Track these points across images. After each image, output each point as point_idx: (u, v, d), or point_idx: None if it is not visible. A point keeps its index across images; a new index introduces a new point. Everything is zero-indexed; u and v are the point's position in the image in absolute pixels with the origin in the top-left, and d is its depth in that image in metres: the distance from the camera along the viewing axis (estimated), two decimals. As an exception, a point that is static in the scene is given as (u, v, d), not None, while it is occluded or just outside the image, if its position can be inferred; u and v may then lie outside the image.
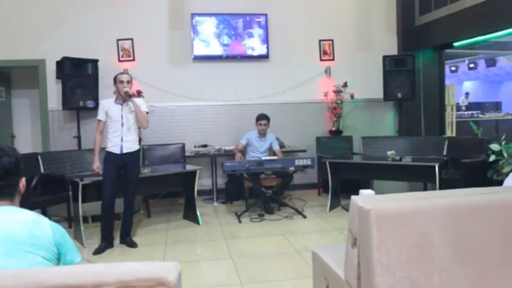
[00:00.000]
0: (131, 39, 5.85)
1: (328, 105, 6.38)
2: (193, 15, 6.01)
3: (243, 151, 5.54)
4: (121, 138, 3.89)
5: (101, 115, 3.97)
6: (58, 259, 1.42)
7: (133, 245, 4.01)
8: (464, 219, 1.64)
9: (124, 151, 3.90)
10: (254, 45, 6.22)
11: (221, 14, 6.10)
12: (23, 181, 1.51)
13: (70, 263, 1.45)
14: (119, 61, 5.84)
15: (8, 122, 6.18)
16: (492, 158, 4.61)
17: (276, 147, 5.52)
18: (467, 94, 12.40)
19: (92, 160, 4.10)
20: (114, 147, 3.90)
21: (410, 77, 6.03)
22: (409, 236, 1.58)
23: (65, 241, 1.44)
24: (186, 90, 6.07)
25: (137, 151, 4.06)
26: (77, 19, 5.78)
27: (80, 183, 3.95)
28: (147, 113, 4.04)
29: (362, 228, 1.62)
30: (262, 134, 5.44)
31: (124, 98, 3.90)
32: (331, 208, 5.07)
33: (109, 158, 3.91)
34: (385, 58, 6.12)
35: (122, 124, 3.89)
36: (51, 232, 1.39)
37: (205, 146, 5.89)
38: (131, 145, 3.95)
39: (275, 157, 5.21)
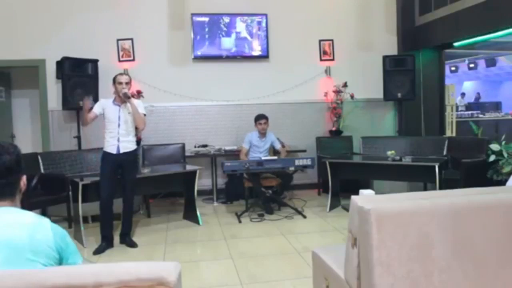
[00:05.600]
0: (131, 39, 5.85)
1: (328, 105, 6.38)
2: (193, 15, 6.01)
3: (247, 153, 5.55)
4: (118, 139, 3.89)
5: (96, 108, 3.89)
6: (59, 263, 1.38)
7: (133, 245, 4.01)
8: (464, 219, 1.64)
9: (121, 151, 3.90)
10: (254, 45, 6.22)
11: (221, 14, 6.10)
12: (24, 179, 1.47)
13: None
14: (119, 61, 5.84)
15: (8, 122, 6.18)
16: (492, 158, 4.61)
17: (278, 146, 5.53)
18: (463, 94, 12.40)
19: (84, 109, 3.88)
20: (110, 147, 3.90)
21: (410, 77, 6.03)
22: (409, 236, 1.58)
23: (66, 244, 1.41)
24: (186, 90, 6.07)
25: (135, 151, 4.06)
26: (77, 19, 5.78)
27: (80, 183, 3.95)
28: (145, 115, 4.03)
29: (362, 228, 1.62)
30: (263, 134, 5.44)
31: (122, 99, 3.89)
32: (331, 208, 5.07)
33: (106, 158, 3.91)
34: (385, 58, 6.12)
35: (119, 125, 3.88)
36: (52, 236, 1.35)
37: (205, 146, 5.88)
38: (128, 145, 3.94)
39: (275, 157, 5.21)
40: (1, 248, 1.26)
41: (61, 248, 1.37)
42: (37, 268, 1.28)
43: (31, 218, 1.36)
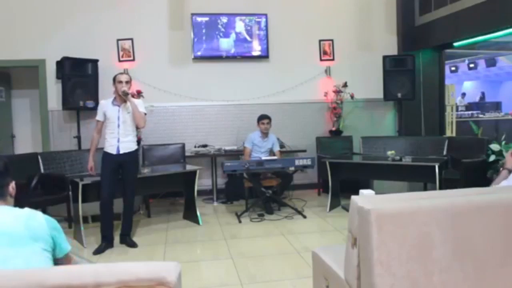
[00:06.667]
0: (131, 39, 5.85)
1: (328, 105, 6.38)
2: (193, 15, 6.01)
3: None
4: (118, 139, 3.89)
5: (99, 116, 3.98)
6: (54, 249, 1.51)
7: (133, 245, 4.01)
8: (464, 219, 1.64)
9: (121, 151, 3.90)
10: (254, 45, 6.22)
11: (221, 14, 6.10)
12: (13, 184, 1.58)
13: (63, 251, 1.56)
14: (119, 61, 5.84)
15: (8, 122, 6.18)
16: (492, 158, 4.61)
17: (276, 149, 5.52)
18: (463, 94, 12.41)
19: (88, 161, 4.11)
20: (110, 147, 3.91)
21: (410, 77, 6.03)
22: (409, 236, 1.58)
23: (58, 232, 1.54)
24: (186, 90, 6.07)
25: (135, 151, 4.05)
26: (77, 19, 5.79)
27: (80, 183, 3.95)
28: (145, 114, 4.03)
29: (362, 228, 1.62)
30: (265, 134, 5.43)
31: (122, 99, 3.89)
32: (331, 208, 5.07)
33: (106, 158, 3.92)
34: (385, 58, 6.12)
35: (119, 125, 3.89)
36: (45, 224, 1.48)
37: (205, 146, 5.89)
38: (128, 145, 3.95)
39: (275, 157, 5.21)
40: (1, 236, 1.37)
41: (55, 235, 1.52)
42: (37, 250, 1.41)
43: (24, 211, 1.49)
